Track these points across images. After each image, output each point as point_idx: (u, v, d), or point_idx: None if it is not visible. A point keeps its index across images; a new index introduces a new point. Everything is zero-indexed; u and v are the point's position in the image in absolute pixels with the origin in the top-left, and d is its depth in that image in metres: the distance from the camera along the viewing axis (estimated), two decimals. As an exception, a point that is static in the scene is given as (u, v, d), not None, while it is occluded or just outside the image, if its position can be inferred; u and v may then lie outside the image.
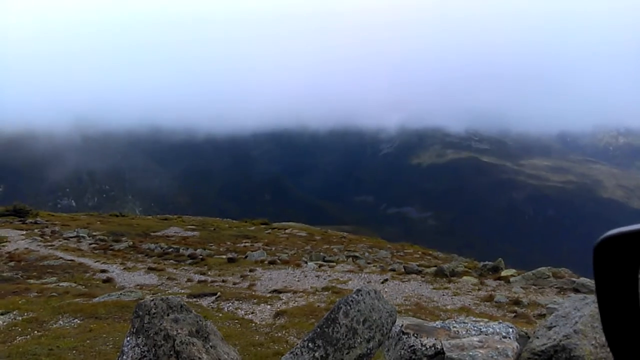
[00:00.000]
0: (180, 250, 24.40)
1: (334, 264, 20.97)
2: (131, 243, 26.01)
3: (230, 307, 11.98)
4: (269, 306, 12.06)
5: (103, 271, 18.00)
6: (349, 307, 5.18)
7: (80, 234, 27.38)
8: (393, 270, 19.18)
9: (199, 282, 16.67)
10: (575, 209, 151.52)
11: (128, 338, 4.52)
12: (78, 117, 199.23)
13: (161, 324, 4.43)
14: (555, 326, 5.79)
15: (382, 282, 16.23)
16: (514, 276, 16.71)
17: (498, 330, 5.85)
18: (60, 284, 14.96)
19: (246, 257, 22.50)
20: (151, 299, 4.69)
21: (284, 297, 13.22)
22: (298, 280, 16.88)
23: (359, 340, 5.05)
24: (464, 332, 5.80)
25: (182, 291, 14.42)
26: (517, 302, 13.01)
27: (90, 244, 25.36)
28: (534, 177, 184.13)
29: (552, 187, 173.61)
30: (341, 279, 17.03)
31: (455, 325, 6.04)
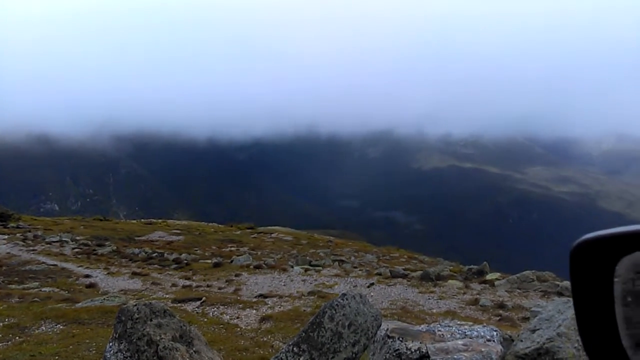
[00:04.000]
0: (165, 254, 24.18)
1: (320, 268, 20.94)
2: (115, 248, 25.71)
3: (216, 312, 11.89)
4: (254, 311, 12.00)
5: (86, 276, 17.76)
6: (334, 312, 5.17)
7: (63, 239, 26.99)
8: (379, 274, 19.19)
9: (184, 287, 16.53)
10: (560, 213, 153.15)
11: (110, 343, 4.46)
12: (61, 121, 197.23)
13: (144, 329, 4.39)
14: (538, 329, 5.84)
15: (368, 286, 16.24)
16: (499, 280, 16.86)
17: (482, 333, 5.88)
18: (43, 289, 14.74)
19: (232, 261, 22.37)
20: (134, 304, 4.64)
21: (269, 302, 13.16)
22: (284, 285, 16.82)
23: (344, 344, 5.05)
24: (448, 336, 5.82)
25: (167, 296, 14.28)
26: (501, 306, 13.10)
27: (73, 248, 25.01)
28: (520, 182, 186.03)
29: (538, 192, 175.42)
30: (327, 283, 17.01)
31: (440, 328, 6.06)
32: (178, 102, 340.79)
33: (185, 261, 22.49)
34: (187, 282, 17.39)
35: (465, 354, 5.28)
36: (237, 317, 11.41)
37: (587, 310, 1.08)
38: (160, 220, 41.33)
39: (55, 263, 19.95)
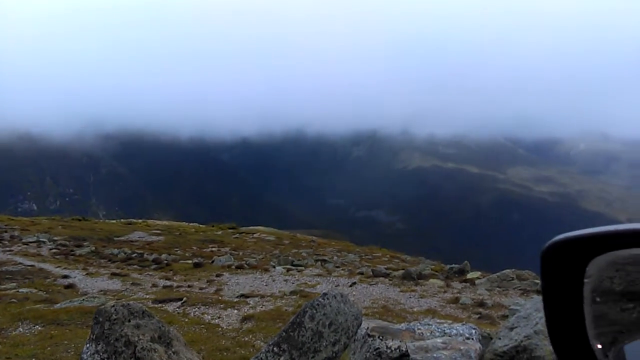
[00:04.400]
0: (145, 255, 23.95)
1: (303, 268, 20.92)
2: (94, 248, 25.37)
3: (197, 312, 11.82)
4: (235, 311, 11.95)
5: (65, 277, 17.51)
6: (314, 311, 5.18)
7: (41, 239, 26.57)
8: (361, 273, 19.25)
9: (164, 287, 16.38)
10: (540, 212, 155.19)
11: (88, 345, 4.41)
12: (45, 119, 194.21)
13: (122, 330, 4.34)
14: (516, 327, 5.91)
15: (350, 286, 16.27)
16: (479, 278, 17.02)
17: (462, 331, 5.94)
18: (20, 290, 14.50)
19: (213, 262, 22.24)
20: (112, 304, 4.59)
21: (251, 302, 13.12)
22: (266, 285, 16.78)
23: (324, 344, 5.05)
24: (428, 334, 5.86)
25: (147, 296, 14.16)
26: (481, 304, 13.23)
27: (51, 249, 24.65)
28: (501, 182, 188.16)
29: (519, 192, 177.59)
30: (309, 283, 17.00)
31: (420, 327, 6.10)
32: (165, 101, 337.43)
33: (166, 261, 22.28)
34: (168, 283, 17.25)
35: (445, 352, 5.32)
36: (219, 317, 11.36)
37: (557, 311, 1.09)
38: (140, 221, 40.89)
39: (33, 264, 19.63)
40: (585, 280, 1.07)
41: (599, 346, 1.08)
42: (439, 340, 5.61)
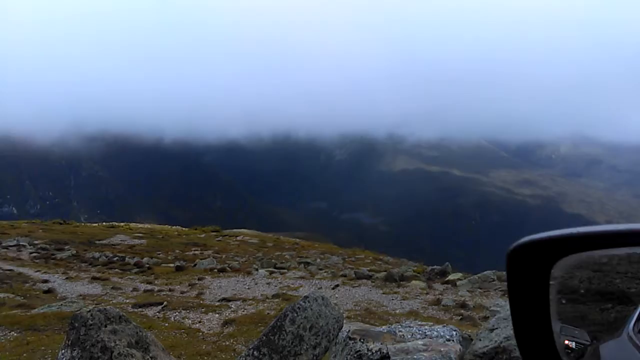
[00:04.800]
0: (126, 258, 23.69)
1: (285, 270, 20.88)
2: (74, 252, 25.06)
3: (177, 317, 11.71)
4: (217, 315, 11.87)
5: (44, 281, 17.27)
6: (295, 314, 5.15)
7: (21, 243, 26.20)
8: (344, 275, 19.26)
9: (145, 291, 16.22)
10: (522, 215, 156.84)
11: (63, 351, 4.33)
12: (25, 121, 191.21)
13: (98, 336, 4.27)
14: (496, 328, 5.94)
15: (333, 288, 16.26)
16: (461, 280, 17.14)
17: (442, 333, 5.96)
18: (-3, 295, 14.24)
19: (195, 265, 22.09)
20: (88, 309, 4.51)
21: (233, 306, 13.04)
22: (248, 288, 16.70)
23: (305, 347, 5.03)
24: (409, 336, 5.87)
25: (127, 301, 13.99)
26: (463, 305, 13.31)
27: (31, 252, 24.30)
28: (483, 185, 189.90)
29: (501, 195, 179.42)
30: (292, 286, 16.97)
31: (401, 329, 6.11)
32: (149, 102, 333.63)
33: (147, 265, 22.08)
34: (149, 287, 17.08)
35: (425, 354, 5.33)
36: (200, 322, 11.27)
37: (523, 313, 1.09)
38: (122, 224, 40.48)
39: (12, 268, 19.33)
40: (551, 282, 1.07)
41: (564, 347, 1.09)
42: (419, 342, 5.62)
